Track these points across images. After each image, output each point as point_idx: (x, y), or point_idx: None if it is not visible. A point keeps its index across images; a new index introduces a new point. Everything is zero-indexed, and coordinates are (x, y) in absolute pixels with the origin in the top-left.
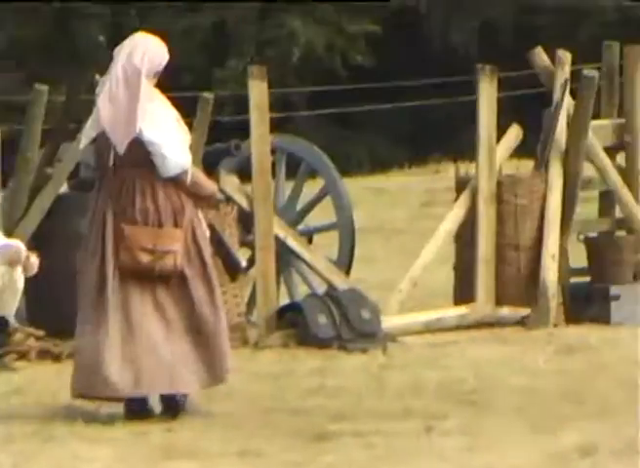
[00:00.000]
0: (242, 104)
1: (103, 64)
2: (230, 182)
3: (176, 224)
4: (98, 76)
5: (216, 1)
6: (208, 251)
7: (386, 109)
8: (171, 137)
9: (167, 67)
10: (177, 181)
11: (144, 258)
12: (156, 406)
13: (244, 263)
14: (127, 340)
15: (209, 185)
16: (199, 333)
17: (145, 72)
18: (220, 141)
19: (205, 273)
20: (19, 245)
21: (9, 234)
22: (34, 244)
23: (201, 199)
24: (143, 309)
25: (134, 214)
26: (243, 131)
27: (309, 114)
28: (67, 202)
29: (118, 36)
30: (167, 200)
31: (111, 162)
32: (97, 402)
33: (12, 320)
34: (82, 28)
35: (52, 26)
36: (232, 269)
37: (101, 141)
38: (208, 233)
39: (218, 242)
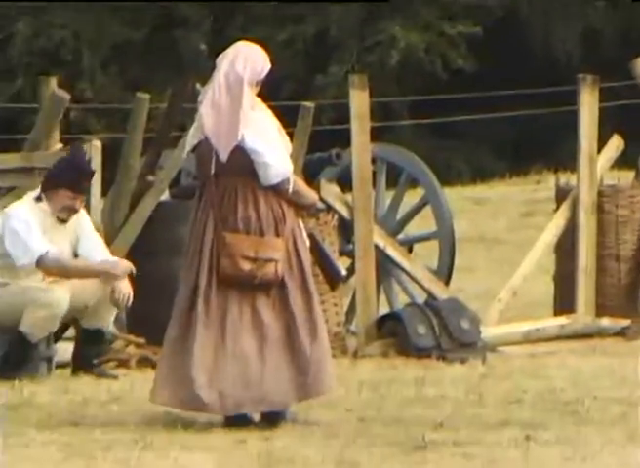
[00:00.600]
0: (341, 111)
1: (205, 72)
2: (331, 191)
3: (277, 233)
4: (199, 85)
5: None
6: (308, 260)
7: (487, 118)
8: (273, 146)
9: (268, 77)
10: (278, 190)
11: (246, 266)
12: (255, 414)
13: (344, 272)
14: (219, 355)
15: (310, 194)
16: (296, 346)
17: (248, 80)
18: (320, 150)
19: (305, 283)
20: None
21: (110, 241)
22: (135, 251)
23: (302, 208)
24: (241, 319)
25: (235, 222)
26: (342, 138)
27: (410, 123)
28: (169, 209)
29: (219, 45)
30: (268, 209)
31: (213, 170)
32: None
33: (111, 328)
34: (184, 36)
35: (154, 34)
36: (332, 278)
37: (204, 149)
38: (308, 242)
39: (318, 251)
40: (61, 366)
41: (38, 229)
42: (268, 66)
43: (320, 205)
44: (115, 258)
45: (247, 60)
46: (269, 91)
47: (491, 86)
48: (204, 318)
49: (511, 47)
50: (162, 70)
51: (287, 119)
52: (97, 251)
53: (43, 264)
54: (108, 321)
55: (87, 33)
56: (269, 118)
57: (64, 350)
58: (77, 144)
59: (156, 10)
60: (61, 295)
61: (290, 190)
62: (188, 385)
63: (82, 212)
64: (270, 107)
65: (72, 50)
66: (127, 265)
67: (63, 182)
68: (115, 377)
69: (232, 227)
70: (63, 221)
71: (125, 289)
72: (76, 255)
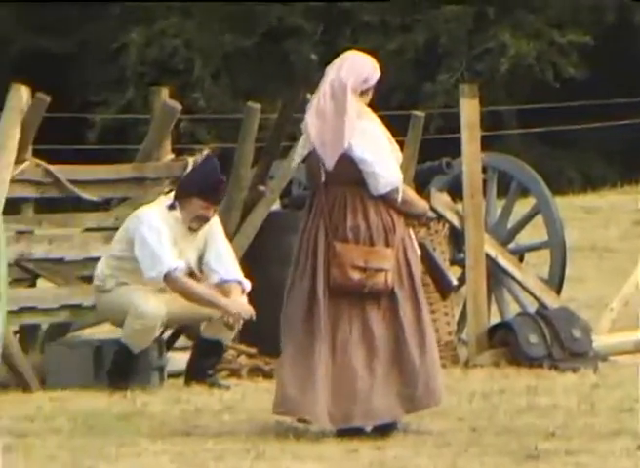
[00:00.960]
0: (450, 120)
1: (315, 82)
2: (441, 200)
3: (387, 243)
4: (309, 95)
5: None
6: (418, 270)
7: (598, 126)
8: (382, 155)
9: (378, 86)
10: (387, 200)
11: (356, 276)
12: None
13: (455, 282)
14: (330, 367)
15: (420, 203)
16: (404, 358)
17: (352, 86)
18: (429, 159)
19: (414, 293)
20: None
21: None
22: (247, 260)
23: (412, 217)
24: (350, 331)
25: (345, 231)
26: (451, 147)
27: (519, 132)
28: (280, 219)
29: (330, 55)
30: (378, 218)
31: (323, 179)
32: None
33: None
34: (295, 46)
35: (264, 42)
36: (444, 288)
37: (313, 159)
38: (419, 252)
39: (429, 260)
40: (174, 375)
41: (168, 240)
42: (376, 75)
43: (431, 214)
44: (241, 301)
45: (352, 68)
46: (379, 100)
47: (602, 94)
48: (318, 330)
49: (623, 55)
50: (273, 80)
51: (397, 128)
52: (221, 262)
53: (170, 281)
54: (230, 335)
55: (198, 42)
56: (379, 127)
57: (177, 360)
58: (208, 154)
59: (267, 18)
60: (156, 308)
61: (399, 199)
62: (303, 398)
63: (215, 219)
64: (380, 117)
65: (184, 59)
66: (248, 310)
67: (197, 192)
68: (227, 388)
69: (342, 237)
70: (194, 230)
71: (237, 309)
72: (201, 261)
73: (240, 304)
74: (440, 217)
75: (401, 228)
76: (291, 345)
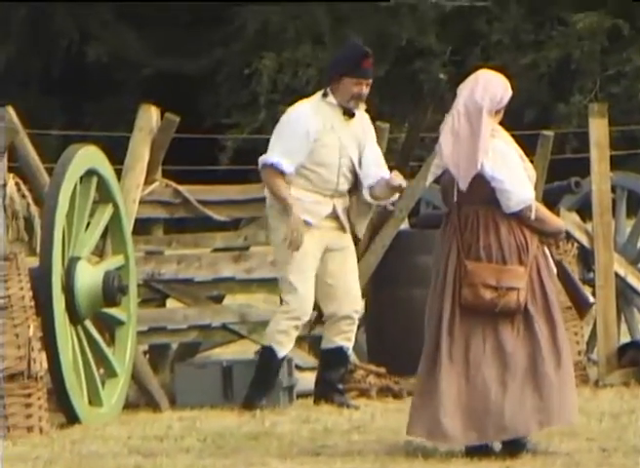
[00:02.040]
0: (585, 140)
1: (443, 102)
2: (571, 220)
3: (520, 261)
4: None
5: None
6: (553, 289)
7: None
8: (514, 173)
9: (510, 104)
10: (520, 217)
11: (488, 295)
12: (496, 443)
13: (592, 300)
14: (463, 385)
15: (555, 221)
16: (540, 374)
17: (487, 109)
18: (564, 178)
19: (549, 312)
20: None
21: None
22: (376, 279)
23: (547, 235)
24: (484, 348)
25: (478, 250)
26: (585, 167)
27: None
28: (408, 238)
29: (460, 74)
30: (510, 236)
31: (455, 198)
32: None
33: (351, 350)
34: (424, 67)
35: (395, 67)
36: (581, 306)
37: (446, 178)
38: (555, 270)
39: (566, 278)
40: (303, 395)
41: (304, 138)
42: (509, 94)
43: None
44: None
45: (486, 89)
46: (511, 118)
47: None
48: (448, 350)
49: None
50: (402, 101)
51: (529, 146)
52: (375, 165)
53: (265, 172)
54: (349, 336)
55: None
56: (510, 145)
57: (306, 380)
58: (349, 39)
59: (398, 43)
60: (307, 300)
61: (532, 217)
62: (436, 418)
63: (366, 117)
64: (512, 135)
65: (316, 86)
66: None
67: (346, 71)
68: (357, 407)
69: (474, 255)
70: (351, 116)
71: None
72: (360, 153)
73: (297, 221)
74: (569, 237)
75: (534, 246)
76: (424, 366)
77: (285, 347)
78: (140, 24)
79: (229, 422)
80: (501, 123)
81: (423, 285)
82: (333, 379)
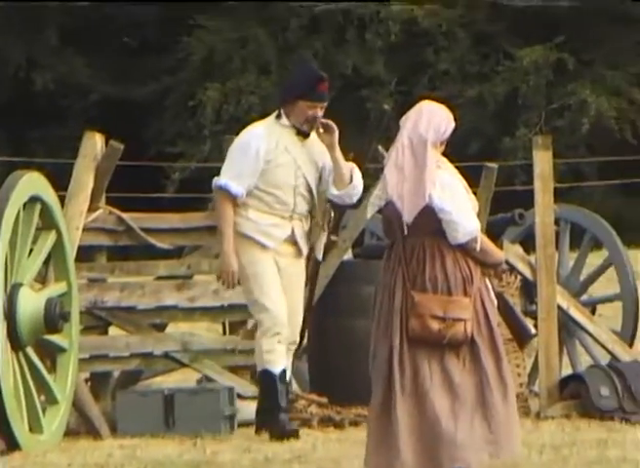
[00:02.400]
0: (532, 174)
1: (389, 133)
2: (514, 252)
3: (465, 292)
4: (381, 147)
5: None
6: (495, 320)
7: None
8: (460, 205)
9: (454, 136)
10: (466, 249)
11: (435, 326)
12: None
13: (533, 331)
14: (415, 416)
15: (496, 253)
16: (488, 404)
17: (431, 141)
18: (507, 211)
19: (494, 343)
20: None
21: None
22: (319, 309)
23: (488, 267)
24: (431, 379)
25: (424, 281)
26: (531, 200)
27: (597, 184)
28: (352, 269)
29: (406, 103)
30: (456, 268)
31: (401, 231)
32: None
33: (294, 386)
34: (370, 96)
35: (341, 95)
36: (522, 337)
37: (390, 210)
38: (495, 302)
39: (507, 310)
40: (244, 424)
41: (254, 160)
42: (452, 126)
43: (503, 265)
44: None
45: (430, 121)
46: (455, 150)
47: None
48: (400, 381)
49: None
50: (348, 130)
51: (473, 178)
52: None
53: (215, 196)
54: (286, 361)
55: (274, 98)
56: (455, 176)
57: (247, 408)
58: (302, 58)
59: (344, 71)
60: (280, 314)
61: (477, 249)
62: (394, 449)
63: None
64: (456, 167)
65: (260, 115)
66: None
67: (300, 94)
68: (296, 433)
69: (420, 287)
70: (306, 137)
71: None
72: (320, 177)
73: (226, 263)
74: (512, 269)
75: (478, 278)
76: (377, 399)
77: (277, 363)
78: (87, 50)
79: (170, 451)
80: (445, 154)
81: (366, 315)
82: (273, 406)
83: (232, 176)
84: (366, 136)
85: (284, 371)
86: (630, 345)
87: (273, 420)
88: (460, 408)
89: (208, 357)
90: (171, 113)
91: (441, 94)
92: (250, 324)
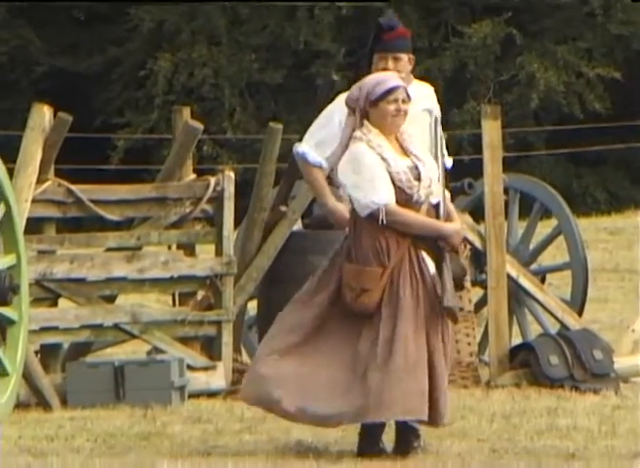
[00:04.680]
0: (480, 146)
1: None
2: (463, 221)
3: (380, 264)
4: None
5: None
6: (409, 293)
7: (623, 149)
8: (360, 178)
9: None
10: (374, 221)
11: (348, 295)
12: (388, 444)
13: (449, 303)
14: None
15: (425, 225)
16: (370, 370)
17: (346, 105)
18: (456, 181)
19: (396, 312)
20: None
21: (243, 270)
22: (267, 280)
23: (441, 239)
24: (338, 340)
25: (350, 253)
26: (480, 170)
27: (545, 153)
28: (301, 239)
29: (357, 76)
30: (370, 239)
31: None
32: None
33: (244, 356)
34: (320, 69)
35: (292, 72)
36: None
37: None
38: (432, 269)
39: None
40: (194, 395)
41: (337, 129)
42: (381, 87)
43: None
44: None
45: (361, 87)
46: None
47: (627, 119)
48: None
49: None
50: (299, 105)
51: None
52: None
53: (298, 162)
54: None
55: (226, 70)
56: (380, 148)
57: (197, 379)
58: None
59: (294, 48)
60: None
61: (383, 221)
62: (273, 391)
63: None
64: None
65: (212, 87)
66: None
67: (371, 46)
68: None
69: (348, 258)
70: None
71: None
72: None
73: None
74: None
75: (400, 249)
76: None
77: None
78: (36, 23)
79: (121, 422)
80: None
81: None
82: None
83: (312, 145)
84: (315, 107)
85: None
86: (580, 314)
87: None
88: (336, 367)
89: (158, 328)
90: (119, 84)
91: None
92: (199, 295)
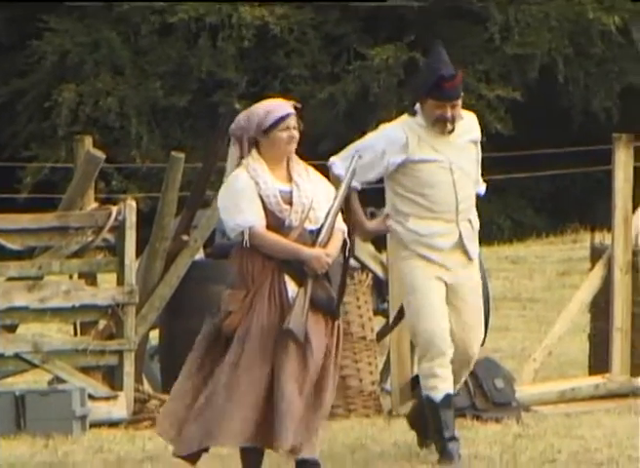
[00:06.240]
0: None
1: None
2: (365, 250)
3: (244, 286)
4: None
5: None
6: (266, 315)
7: (525, 177)
8: (230, 201)
9: (306, 135)
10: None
11: (218, 319)
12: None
13: (292, 326)
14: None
15: (291, 250)
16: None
17: (232, 135)
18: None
19: (247, 336)
20: None
21: (145, 300)
22: (169, 310)
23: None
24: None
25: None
26: (383, 198)
27: None
28: (203, 268)
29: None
30: (239, 261)
31: None
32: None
33: (146, 386)
34: (223, 97)
35: (195, 99)
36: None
37: None
38: (293, 293)
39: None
40: (96, 425)
41: (377, 154)
42: (246, 122)
43: (355, 264)
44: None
45: (245, 115)
46: (307, 148)
47: (530, 146)
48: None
49: (549, 108)
50: (203, 132)
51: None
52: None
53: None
54: (458, 380)
55: (132, 99)
56: (259, 173)
57: (99, 409)
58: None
59: (197, 75)
60: (435, 336)
61: (247, 244)
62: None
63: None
64: (311, 165)
65: (118, 116)
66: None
67: (425, 91)
68: (148, 437)
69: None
70: (448, 133)
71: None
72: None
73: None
74: (364, 267)
75: (264, 272)
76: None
77: (437, 389)
78: None
79: (22, 452)
80: (297, 153)
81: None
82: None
83: (342, 157)
84: (215, 136)
85: (447, 396)
86: (482, 343)
87: (442, 450)
88: (237, 390)
89: (59, 358)
90: (24, 115)
91: (293, 95)
92: (101, 324)
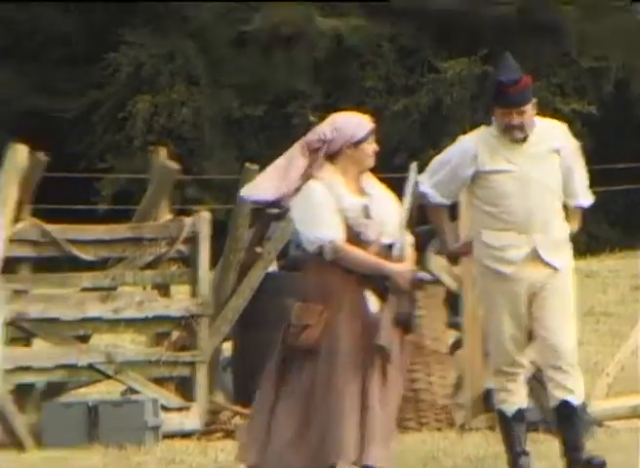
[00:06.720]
0: None
1: None
2: (438, 263)
3: (322, 300)
4: None
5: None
6: (349, 331)
7: (601, 191)
8: (309, 214)
9: (381, 148)
10: (323, 257)
11: (291, 331)
12: None
13: (383, 342)
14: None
15: (376, 266)
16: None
17: (301, 143)
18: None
19: (331, 354)
20: None
21: (218, 311)
22: (243, 322)
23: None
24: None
25: (300, 292)
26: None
27: None
28: (276, 280)
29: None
30: (314, 275)
31: None
32: None
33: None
34: (297, 109)
35: (270, 110)
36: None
37: None
38: (374, 308)
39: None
40: (168, 436)
41: (452, 170)
42: (340, 132)
43: (428, 277)
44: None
45: (332, 127)
46: (381, 161)
47: (604, 159)
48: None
49: (624, 122)
50: (277, 143)
51: (399, 190)
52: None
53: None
54: (570, 388)
55: (207, 110)
56: (335, 189)
57: (171, 420)
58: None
59: (272, 87)
60: (503, 351)
61: (330, 257)
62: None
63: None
64: (382, 178)
65: (192, 126)
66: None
67: (491, 99)
68: (221, 449)
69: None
70: (520, 141)
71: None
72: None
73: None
74: (437, 280)
75: (346, 288)
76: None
77: (510, 402)
78: (14, 61)
79: (94, 462)
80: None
81: None
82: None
83: (432, 185)
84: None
85: (519, 411)
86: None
87: (513, 464)
88: (290, 415)
89: (132, 368)
90: (100, 126)
91: (367, 107)
92: (174, 335)
